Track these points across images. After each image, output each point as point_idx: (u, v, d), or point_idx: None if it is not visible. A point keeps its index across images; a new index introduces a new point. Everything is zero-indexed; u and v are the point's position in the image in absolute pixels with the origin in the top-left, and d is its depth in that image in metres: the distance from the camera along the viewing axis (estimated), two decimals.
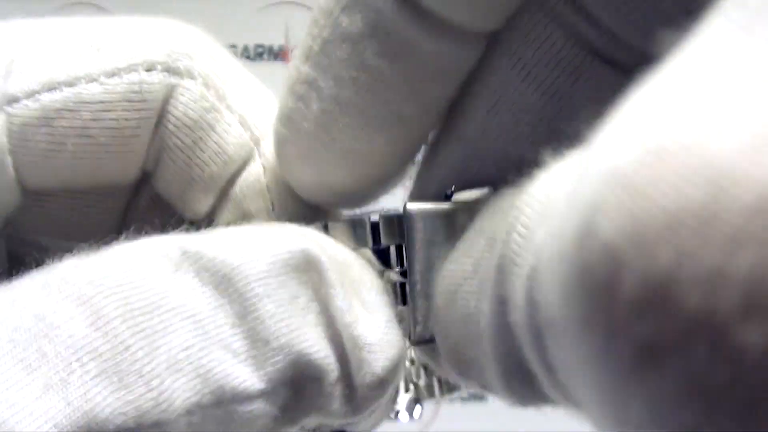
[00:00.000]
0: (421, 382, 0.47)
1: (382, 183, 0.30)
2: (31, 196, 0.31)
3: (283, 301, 0.26)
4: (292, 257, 0.27)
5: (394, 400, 0.48)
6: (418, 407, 0.48)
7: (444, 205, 0.28)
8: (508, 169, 0.28)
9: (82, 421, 0.23)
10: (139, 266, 0.26)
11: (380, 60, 0.26)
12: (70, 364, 0.23)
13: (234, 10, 1.00)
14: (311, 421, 0.28)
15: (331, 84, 0.27)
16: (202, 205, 0.31)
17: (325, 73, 0.27)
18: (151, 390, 0.24)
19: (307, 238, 0.28)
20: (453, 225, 0.28)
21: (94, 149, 0.30)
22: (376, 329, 0.27)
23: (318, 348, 0.26)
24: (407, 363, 0.48)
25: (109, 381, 0.23)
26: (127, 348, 0.24)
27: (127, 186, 0.32)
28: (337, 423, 0.28)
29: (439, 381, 0.48)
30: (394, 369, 0.27)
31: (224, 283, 0.26)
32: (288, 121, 0.28)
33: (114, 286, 0.25)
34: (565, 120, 0.27)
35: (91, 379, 0.23)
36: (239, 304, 0.26)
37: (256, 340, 0.26)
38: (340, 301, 0.27)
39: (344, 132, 0.28)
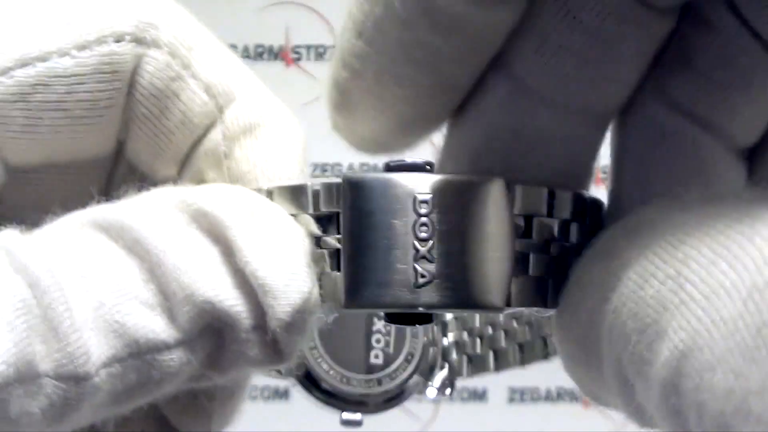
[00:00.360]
0: (453, 360, 0.47)
1: (427, 136, 0.31)
2: (15, 174, 0.31)
3: (188, 255, 0.28)
4: (196, 216, 0.28)
5: (427, 377, 0.48)
6: (449, 386, 0.48)
7: (382, 176, 0.29)
8: (554, 112, 0.29)
9: (22, 362, 0.25)
10: (65, 238, 0.28)
11: (434, 36, 0.27)
12: (16, 314, 0.25)
13: (234, 10, 1.00)
14: (239, 370, 0.29)
15: (385, 59, 0.28)
16: (170, 173, 0.32)
17: (380, 49, 0.28)
18: (67, 345, 0.26)
19: (214, 196, 0.29)
20: (396, 197, 0.29)
21: (70, 122, 0.30)
22: (280, 276, 0.28)
23: (224, 296, 0.28)
24: (445, 341, 0.48)
25: (37, 333, 0.26)
26: (49, 305, 0.26)
27: (107, 157, 0.33)
28: (265, 371, 0.30)
29: (469, 359, 0.48)
30: (299, 313, 0.28)
31: (134, 245, 0.27)
32: (342, 91, 0.29)
33: (42, 254, 0.27)
34: (610, 63, 0.28)
35: (28, 328, 0.25)
36: (148, 261, 0.27)
37: (167, 292, 0.27)
38: (244, 250, 0.28)
39: (398, 101, 0.29)
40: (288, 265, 0.28)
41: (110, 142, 0.32)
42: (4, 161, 0.31)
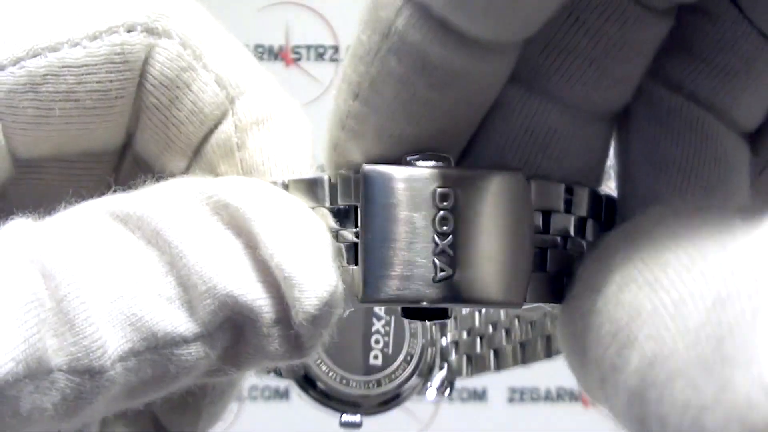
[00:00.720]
0: (452, 360, 0.47)
1: None
2: (24, 169, 0.31)
3: (210, 248, 0.27)
4: (217, 208, 0.28)
5: (426, 378, 0.48)
6: (448, 386, 0.48)
7: (401, 169, 0.28)
8: (564, 111, 0.29)
9: (32, 357, 0.25)
10: (80, 227, 0.27)
11: (432, 92, 0.27)
12: (27, 308, 0.25)
13: (234, 10, 1.00)
14: (257, 365, 0.29)
15: (384, 118, 0.28)
16: (179, 165, 0.32)
17: (377, 109, 0.28)
18: (83, 338, 0.25)
19: (234, 188, 0.28)
20: (416, 190, 0.28)
21: (81, 113, 0.30)
22: (306, 269, 0.28)
23: (247, 290, 0.27)
24: (444, 341, 0.48)
25: (50, 327, 0.25)
26: (64, 298, 0.25)
27: (115, 150, 0.33)
28: (282, 364, 0.29)
29: (469, 359, 0.48)
30: (326, 306, 0.28)
31: (153, 236, 0.27)
32: (341, 152, 0.29)
33: (57, 244, 0.26)
34: (613, 62, 0.28)
35: (39, 322, 0.25)
36: (168, 253, 0.27)
37: (188, 285, 0.27)
38: (267, 244, 0.27)
39: (400, 155, 0.29)
40: (313, 258, 0.28)
41: (120, 134, 0.32)
42: (13, 154, 0.30)
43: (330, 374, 0.47)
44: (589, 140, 0.30)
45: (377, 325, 0.47)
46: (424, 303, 0.29)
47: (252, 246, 0.28)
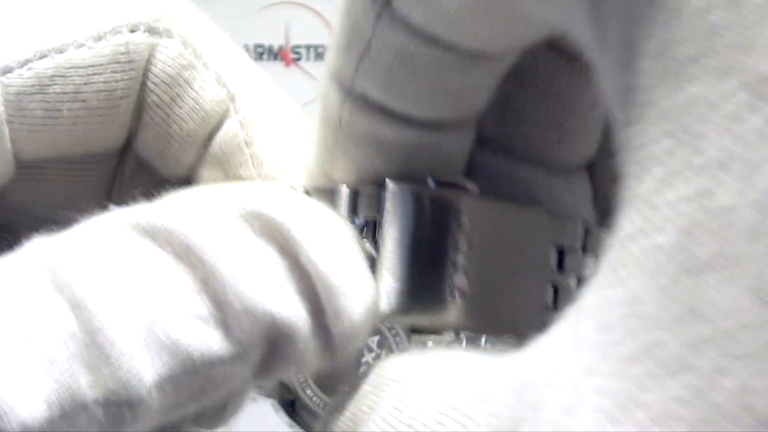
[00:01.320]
0: None
1: None
2: (24, 169, 0.31)
3: (244, 262, 0.26)
4: (249, 217, 0.27)
5: None
6: None
7: (426, 189, 0.28)
8: (538, 171, 0.29)
9: (65, 397, 0.24)
10: (107, 246, 0.26)
11: (397, 151, 0.28)
12: (56, 344, 0.24)
13: (234, 10, 0.99)
14: (287, 374, 0.29)
15: (358, 160, 0.28)
16: (182, 164, 0.32)
17: (348, 156, 0.28)
18: (118, 369, 0.25)
19: (265, 196, 0.28)
20: (438, 210, 0.28)
21: (87, 113, 0.31)
22: (351, 277, 0.27)
23: (285, 305, 0.26)
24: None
25: (82, 361, 0.24)
26: (97, 330, 0.25)
27: (115, 152, 0.33)
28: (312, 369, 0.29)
29: None
30: (368, 315, 0.27)
31: (185, 253, 0.26)
32: (322, 171, 0.30)
33: (85, 270, 0.26)
34: (569, 119, 0.29)
35: (69, 358, 0.24)
36: (201, 270, 0.26)
37: (222, 303, 0.26)
38: (309, 252, 0.27)
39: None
40: (353, 266, 0.27)
41: (122, 134, 0.32)
42: (18, 157, 0.31)
43: (314, 399, 0.47)
44: (573, 187, 0.30)
45: (367, 357, 0.47)
46: (433, 325, 0.28)
47: (287, 255, 0.27)
